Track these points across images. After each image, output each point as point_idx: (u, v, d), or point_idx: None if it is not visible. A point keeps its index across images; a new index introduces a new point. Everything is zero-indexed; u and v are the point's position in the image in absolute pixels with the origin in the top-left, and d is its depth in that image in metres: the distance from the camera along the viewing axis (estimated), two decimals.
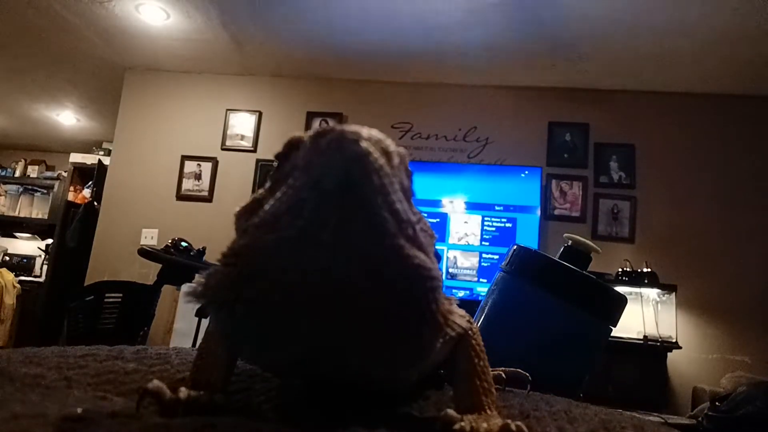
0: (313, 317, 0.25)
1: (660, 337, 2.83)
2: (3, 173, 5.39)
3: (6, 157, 5.70)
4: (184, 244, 2.00)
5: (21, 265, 5.12)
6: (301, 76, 3.75)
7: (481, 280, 3.14)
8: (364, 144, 0.23)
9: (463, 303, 0.34)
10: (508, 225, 3.21)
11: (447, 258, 3.18)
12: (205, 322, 1.90)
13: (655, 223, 3.27)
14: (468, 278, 3.17)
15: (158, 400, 0.28)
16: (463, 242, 3.21)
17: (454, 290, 3.06)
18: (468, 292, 3.10)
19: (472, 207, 3.27)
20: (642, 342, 2.82)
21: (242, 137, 3.74)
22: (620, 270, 2.94)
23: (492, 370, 0.36)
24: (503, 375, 0.45)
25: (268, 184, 0.29)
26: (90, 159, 4.82)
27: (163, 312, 2.84)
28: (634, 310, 2.88)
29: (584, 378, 0.66)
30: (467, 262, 3.19)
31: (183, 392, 0.29)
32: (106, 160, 4.19)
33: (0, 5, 3.07)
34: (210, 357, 0.34)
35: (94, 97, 4.47)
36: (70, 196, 4.73)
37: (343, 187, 0.23)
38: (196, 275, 0.28)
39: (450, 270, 3.15)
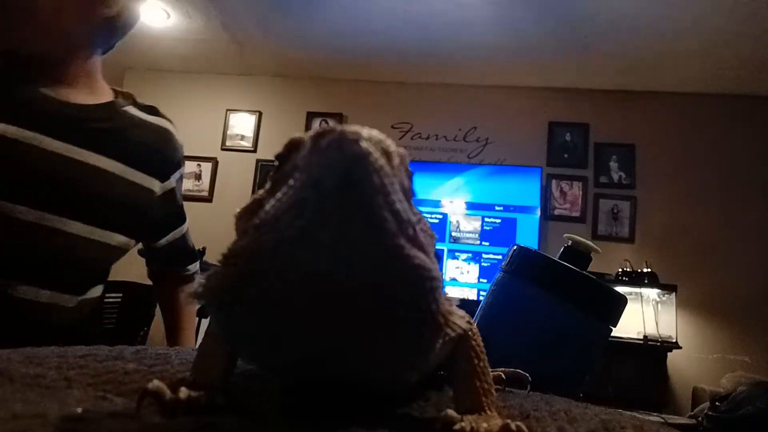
0: (313, 318, 0.25)
1: (660, 337, 2.84)
2: None
3: None
4: None
5: None
6: (301, 76, 3.75)
7: (481, 280, 3.14)
8: (364, 144, 0.23)
9: (463, 304, 0.34)
10: (508, 225, 3.21)
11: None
12: (205, 322, 1.90)
13: (655, 223, 3.28)
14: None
15: (158, 401, 0.28)
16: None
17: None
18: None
19: (472, 207, 3.27)
20: (642, 342, 2.82)
21: (242, 137, 3.75)
22: (620, 270, 2.95)
23: (492, 371, 0.36)
24: (503, 375, 0.45)
25: (268, 185, 0.29)
26: None
27: None
28: (634, 310, 2.88)
29: (584, 378, 0.67)
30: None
31: (183, 392, 0.29)
32: None
33: None
34: (210, 357, 0.34)
35: None
36: None
37: (344, 187, 0.23)
38: (197, 276, 0.28)
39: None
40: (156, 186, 0.95)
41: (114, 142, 0.88)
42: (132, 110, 0.95)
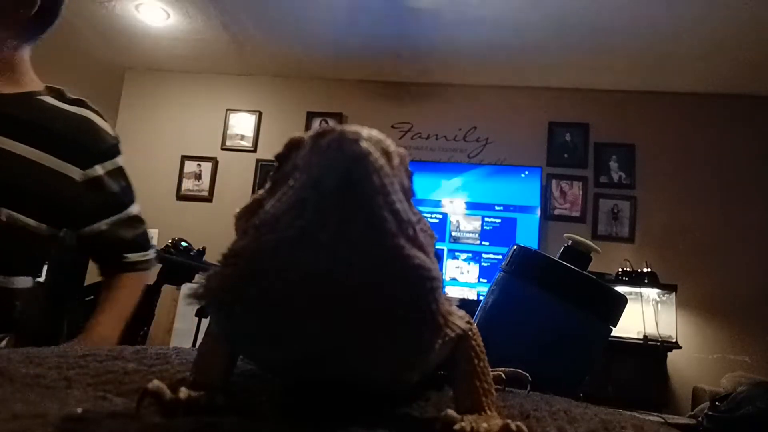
0: (313, 318, 0.25)
1: (660, 337, 2.83)
2: None
3: None
4: (184, 244, 2.00)
5: None
6: (301, 76, 3.75)
7: (481, 280, 3.14)
8: (364, 144, 0.23)
9: (463, 304, 0.34)
10: (508, 225, 3.21)
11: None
12: (205, 322, 1.90)
13: (655, 223, 3.28)
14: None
15: (158, 401, 0.28)
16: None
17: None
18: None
19: (472, 207, 3.27)
20: (642, 342, 2.82)
21: (242, 137, 3.75)
22: (620, 270, 2.95)
23: (492, 371, 0.36)
24: (503, 375, 0.45)
25: (268, 185, 0.29)
26: None
27: (163, 312, 2.84)
28: (634, 310, 2.88)
29: (584, 378, 0.67)
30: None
31: (183, 392, 0.29)
32: None
33: None
34: (210, 357, 0.34)
35: (94, 97, 4.44)
36: None
37: (344, 187, 0.23)
38: (197, 276, 0.28)
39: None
40: (75, 173, 0.96)
41: (29, 128, 0.90)
42: (51, 100, 0.97)
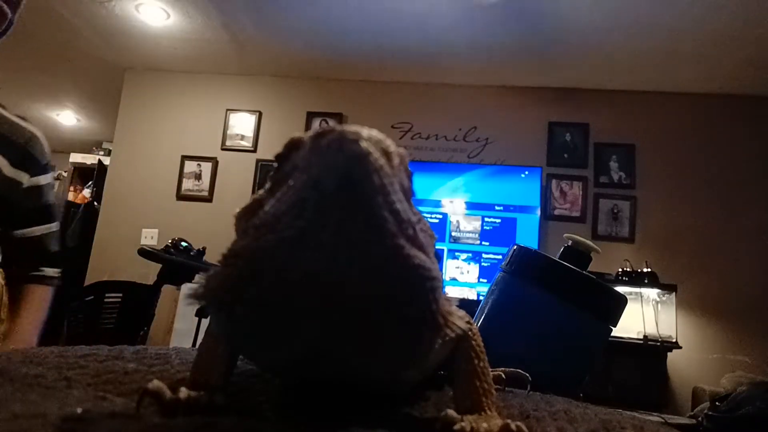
0: (313, 318, 0.25)
1: (660, 337, 2.83)
2: None
3: None
4: (184, 244, 2.00)
5: None
6: (301, 76, 3.75)
7: (481, 280, 3.14)
8: (364, 144, 0.23)
9: (463, 304, 0.34)
10: (508, 225, 3.21)
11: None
12: (205, 322, 1.90)
13: (655, 223, 3.27)
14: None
15: (158, 400, 0.28)
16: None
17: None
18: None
19: (472, 207, 3.27)
20: (642, 342, 2.82)
21: (242, 137, 3.75)
22: (620, 270, 2.94)
23: (492, 371, 0.36)
24: (503, 375, 0.45)
25: (268, 185, 0.29)
26: (90, 159, 4.82)
27: (163, 312, 2.84)
28: (634, 310, 2.88)
29: (584, 378, 0.66)
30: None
31: (183, 392, 0.29)
32: (106, 160, 4.19)
33: None
34: (210, 357, 0.34)
35: (94, 97, 4.47)
36: (70, 196, 4.73)
37: (344, 187, 0.23)
38: (197, 276, 0.28)
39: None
40: (24, 179, 1.05)
41: None
42: (3, 111, 1.05)
